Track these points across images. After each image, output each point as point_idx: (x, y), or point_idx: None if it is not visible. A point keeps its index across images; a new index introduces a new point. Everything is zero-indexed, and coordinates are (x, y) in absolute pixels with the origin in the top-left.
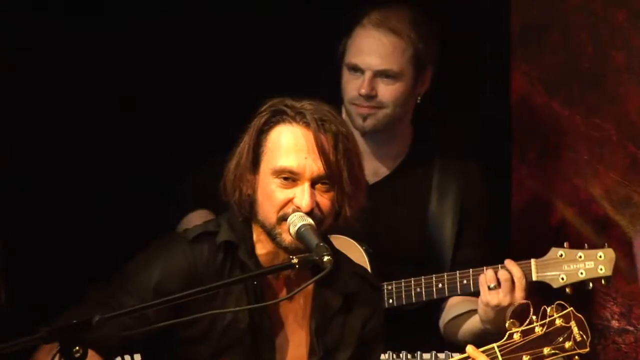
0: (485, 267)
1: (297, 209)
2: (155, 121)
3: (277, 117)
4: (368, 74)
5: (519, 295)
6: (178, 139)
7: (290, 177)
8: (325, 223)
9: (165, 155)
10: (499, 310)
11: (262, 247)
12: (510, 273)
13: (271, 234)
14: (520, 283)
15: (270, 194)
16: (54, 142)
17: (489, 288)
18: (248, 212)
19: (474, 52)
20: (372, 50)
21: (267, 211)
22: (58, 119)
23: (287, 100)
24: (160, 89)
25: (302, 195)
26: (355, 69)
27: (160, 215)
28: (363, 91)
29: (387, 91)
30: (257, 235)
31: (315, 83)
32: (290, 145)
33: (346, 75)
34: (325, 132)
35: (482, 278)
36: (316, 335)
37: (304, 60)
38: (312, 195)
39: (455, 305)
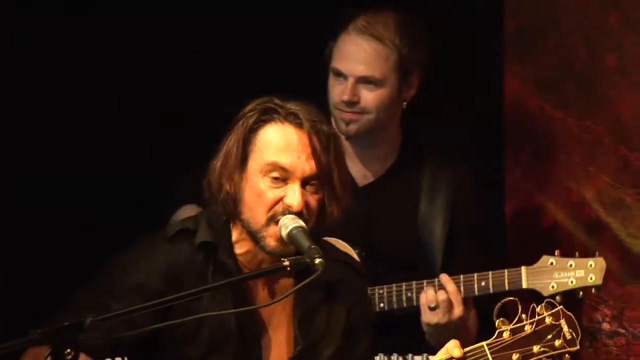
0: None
1: (288, 209)
2: (151, 119)
3: (267, 116)
4: (351, 80)
5: (457, 311)
6: (174, 137)
7: (280, 177)
8: (312, 222)
9: (163, 153)
10: (440, 328)
11: (241, 247)
12: (446, 291)
13: (256, 237)
14: (456, 298)
15: (260, 193)
16: (48, 135)
17: (430, 308)
18: (232, 211)
19: (467, 54)
20: (355, 56)
21: (255, 211)
22: (52, 115)
23: (275, 100)
24: (155, 88)
25: (293, 194)
26: (339, 75)
27: (157, 211)
28: (345, 97)
29: (369, 97)
30: (237, 235)
31: (304, 87)
32: (282, 144)
33: (331, 80)
34: (317, 132)
35: (422, 298)
36: (299, 328)
37: (297, 64)
38: (303, 195)
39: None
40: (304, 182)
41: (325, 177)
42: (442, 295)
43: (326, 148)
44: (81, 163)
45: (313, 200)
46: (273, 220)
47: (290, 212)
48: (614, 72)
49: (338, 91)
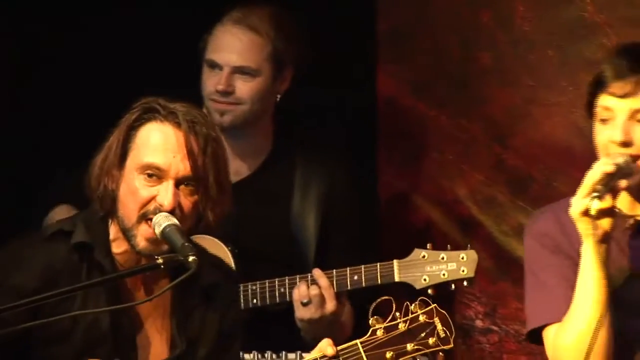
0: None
1: (159, 207)
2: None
3: (148, 115)
4: (226, 70)
5: (330, 306)
6: (41, 138)
7: (155, 174)
8: (186, 224)
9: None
10: (314, 323)
11: (118, 246)
12: (319, 286)
13: (127, 234)
14: (328, 293)
15: (134, 191)
16: None
17: (302, 304)
18: (109, 207)
19: (342, 53)
20: (230, 46)
21: (128, 208)
22: None
23: (160, 100)
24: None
25: (165, 193)
26: (214, 66)
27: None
28: (220, 87)
29: (244, 87)
30: (115, 233)
31: (186, 82)
32: (158, 143)
33: (206, 72)
34: (195, 134)
35: (295, 293)
36: (177, 330)
37: (176, 59)
38: (176, 195)
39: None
40: (179, 183)
41: (201, 180)
42: (314, 290)
43: (203, 150)
44: None
45: (187, 202)
46: (144, 218)
47: (162, 211)
48: (488, 70)
49: (213, 82)
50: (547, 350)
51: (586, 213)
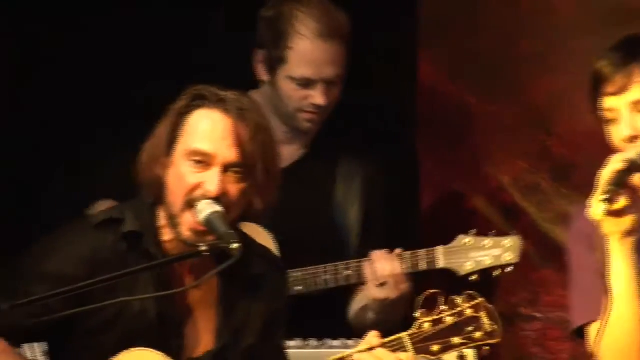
0: (370, 260)
1: (206, 194)
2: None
3: (197, 102)
4: (322, 85)
5: (404, 287)
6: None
7: (202, 161)
8: (233, 211)
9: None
10: (389, 303)
11: (168, 234)
12: (393, 267)
13: (173, 222)
14: (402, 275)
15: (182, 177)
16: None
17: (379, 285)
18: (158, 194)
19: (383, 43)
20: (322, 60)
21: (175, 194)
22: None
23: (211, 87)
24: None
25: (211, 179)
26: (306, 84)
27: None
28: (322, 102)
29: (332, 96)
30: (164, 220)
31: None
32: (207, 129)
33: (290, 85)
34: (244, 121)
35: (369, 274)
36: (223, 320)
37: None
38: (222, 181)
39: (360, 296)
40: (226, 169)
41: (249, 167)
42: (389, 271)
43: (252, 137)
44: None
45: (234, 188)
46: (190, 205)
47: (208, 198)
48: (530, 57)
49: (303, 95)
50: (590, 347)
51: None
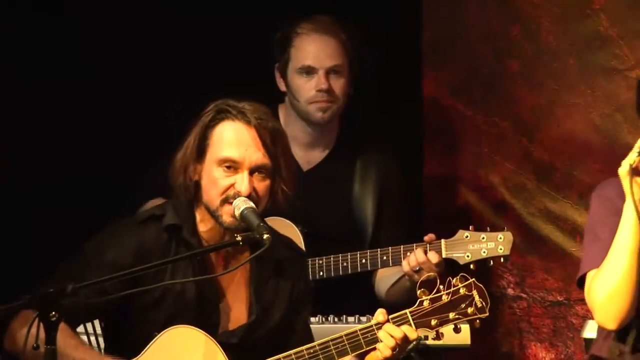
0: (403, 249)
1: (238, 194)
2: (118, 118)
3: (221, 115)
4: (322, 72)
5: (436, 272)
6: (139, 136)
7: (232, 166)
8: (261, 205)
9: (129, 150)
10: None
11: (205, 226)
12: (426, 255)
13: (214, 215)
14: (431, 263)
15: (215, 181)
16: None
17: (415, 270)
18: (192, 195)
19: (393, 62)
20: (319, 50)
21: (211, 195)
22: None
23: (229, 101)
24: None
25: (242, 181)
26: (309, 72)
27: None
28: (323, 86)
29: (337, 85)
30: (201, 215)
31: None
32: (232, 139)
33: (298, 80)
34: (264, 128)
35: (406, 262)
36: (255, 298)
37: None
38: (251, 182)
39: (387, 276)
40: (252, 171)
41: (272, 166)
42: (427, 259)
43: (272, 141)
44: (48, 155)
45: (262, 186)
46: (226, 202)
47: (240, 196)
48: (516, 76)
49: (310, 85)
50: (585, 294)
51: (630, 172)
